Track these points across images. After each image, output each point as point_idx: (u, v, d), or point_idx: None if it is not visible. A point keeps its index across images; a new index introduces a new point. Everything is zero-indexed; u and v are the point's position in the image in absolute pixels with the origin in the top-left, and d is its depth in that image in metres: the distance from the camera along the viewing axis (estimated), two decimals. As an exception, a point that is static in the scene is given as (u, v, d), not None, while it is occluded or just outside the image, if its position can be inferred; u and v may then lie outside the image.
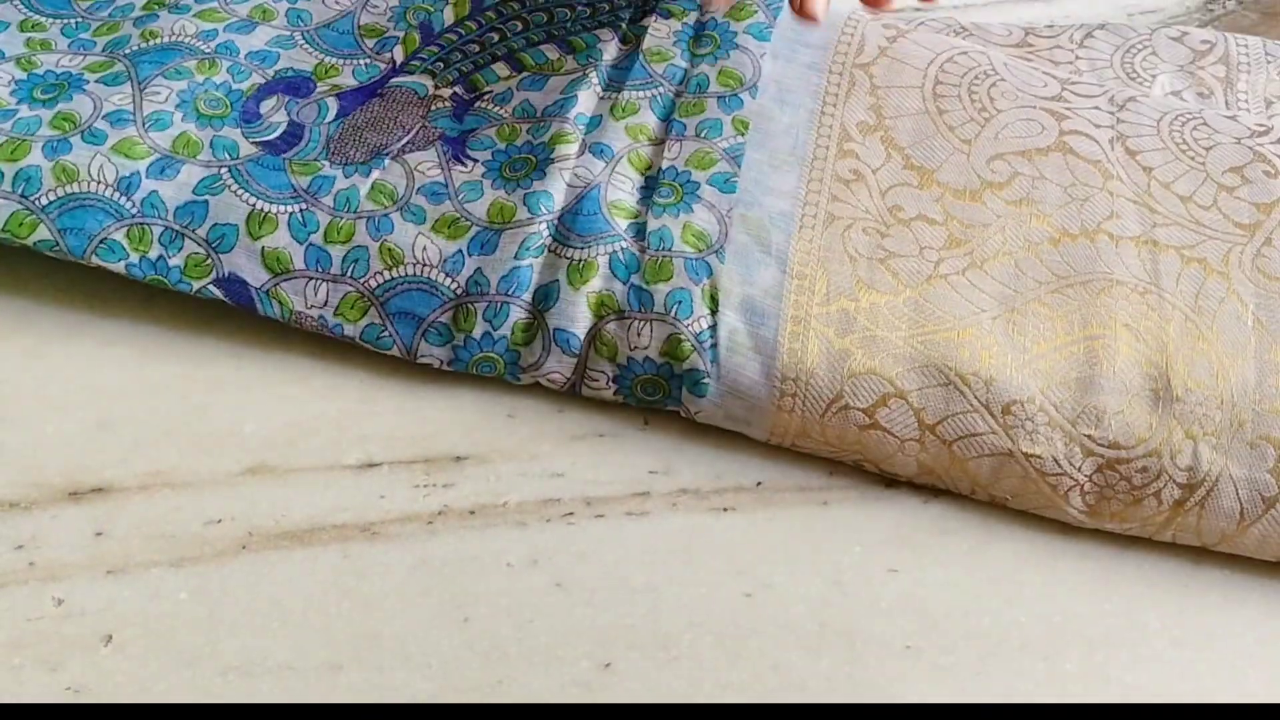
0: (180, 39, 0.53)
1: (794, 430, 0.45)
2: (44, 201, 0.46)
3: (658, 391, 0.46)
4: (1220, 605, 0.43)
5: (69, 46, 0.52)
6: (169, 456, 0.45)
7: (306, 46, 0.54)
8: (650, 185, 0.49)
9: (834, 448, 0.45)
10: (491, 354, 0.46)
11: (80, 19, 0.54)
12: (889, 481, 0.46)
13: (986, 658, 0.41)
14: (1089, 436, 0.43)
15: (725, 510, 0.45)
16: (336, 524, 0.44)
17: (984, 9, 0.64)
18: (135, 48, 0.52)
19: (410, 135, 0.50)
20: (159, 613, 0.41)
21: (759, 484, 0.46)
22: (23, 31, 0.52)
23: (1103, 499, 0.43)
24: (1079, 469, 0.43)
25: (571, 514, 0.45)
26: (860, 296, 0.46)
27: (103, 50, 0.52)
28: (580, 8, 0.57)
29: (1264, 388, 0.44)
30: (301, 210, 0.47)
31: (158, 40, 0.52)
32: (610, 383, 0.46)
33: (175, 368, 0.48)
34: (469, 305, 0.46)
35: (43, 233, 0.46)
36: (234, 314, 0.49)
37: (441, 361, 0.47)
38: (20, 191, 0.46)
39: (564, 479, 0.45)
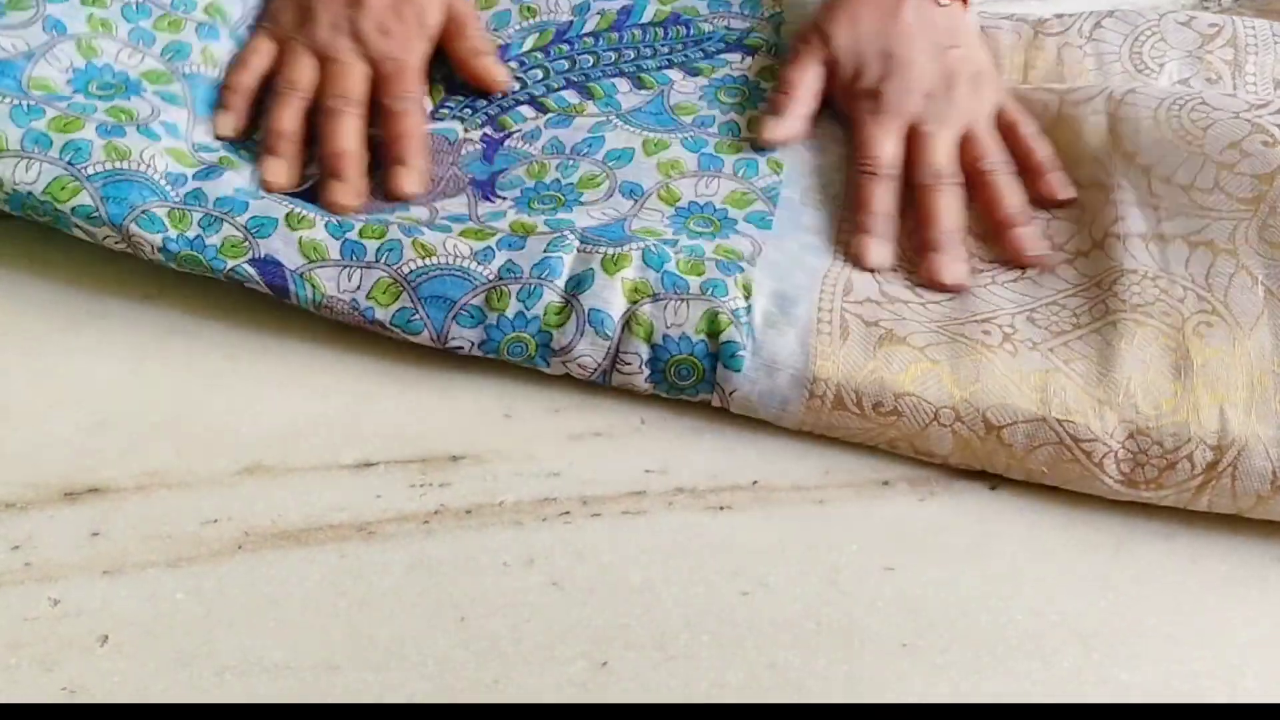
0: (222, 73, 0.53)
1: (830, 401, 0.46)
2: (90, 171, 0.47)
3: (692, 374, 0.46)
4: (1216, 603, 0.43)
5: (128, 36, 0.52)
6: (165, 457, 0.45)
7: None
8: (681, 215, 0.51)
9: (868, 423, 0.46)
10: (524, 334, 0.46)
11: (141, 1, 0.53)
12: (885, 480, 0.46)
13: (983, 656, 0.41)
14: (1117, 404, 0.44)
15: (722, 509, 0.45)
16: (333, 524, 0.44)
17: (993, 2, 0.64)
18: (194, 69, 0.53)
19: (441, 186, 0.52)
20: (155, 613, 0.41)
21: (755, 483, 0.46)
22: (84, 6, 0.51)
23: (1136, 465, 0.44)
24: (1111, 435, 0.44)
25: (568, 513, 0.45)
26: (884, 298, 0.49)
27: (161, 56, 0.52)
28: (605, 53, 0.58)
29: None
30: (339, 219, 0.49)
31: (217, 71, 0.53)
32: (643, 366, 0.47)
33: (171, 368, 0.48)
34: (502, 288, 0.47)
35: (84, 198, 0.46)
36: (230, 315, 0.49)
37: (473, 344, 0.47)
38: (67, 160, 0.47)
39: (560, 478, 0.45)
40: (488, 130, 0.55)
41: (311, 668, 0.40)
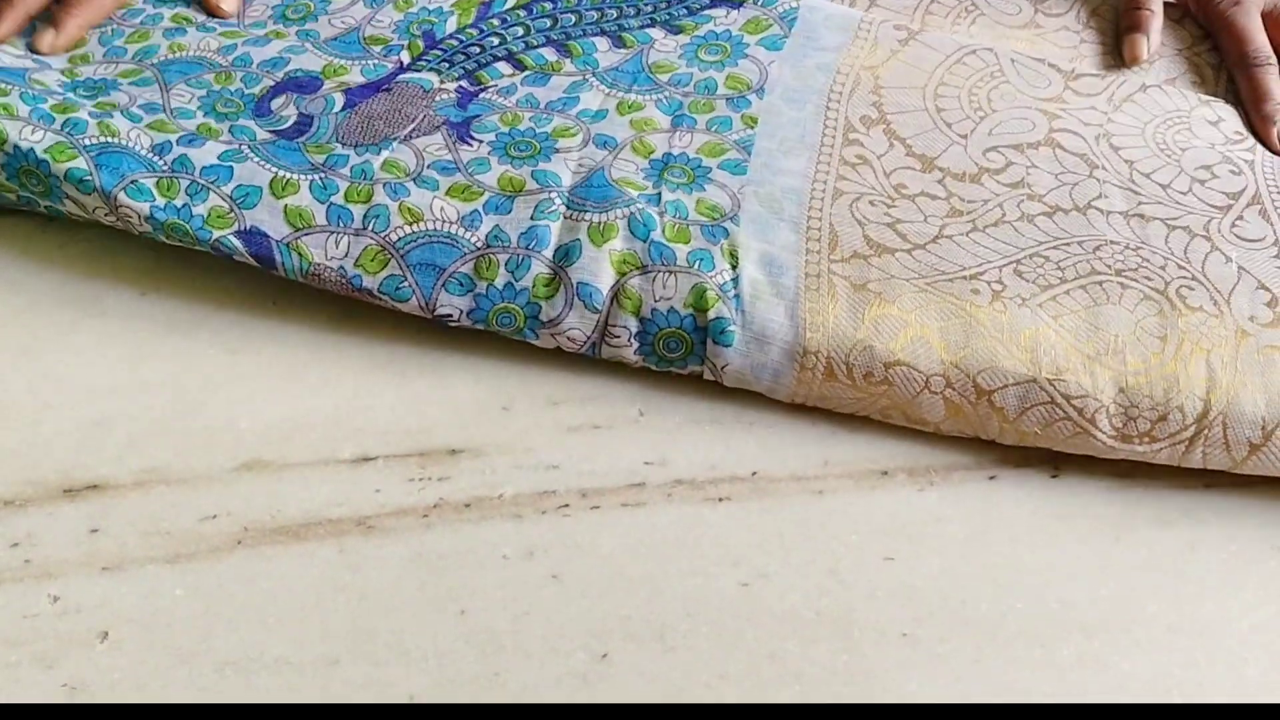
0: (204, 54, 0.56)
1: (820, 373, 0.46)
2: (86, 142, 0.48)
3: (681, 346, 0.47)
4: (1217, 591, 0.43)
5: (104, 55, 0.55)
6: (163, 453, 0.45)
7: (316, 51, 0.56)
8: (656, 168, 0.51)
9: (860, 392, 0.46)
10: (513, 305, 0.47)
11: (115, 25, 0.57)
12: (884, 470, 0.46)
13: (983, 645, 0.41)
14: (1105, 358, 0.45)
15: (721, 500, 0.45)
16: (332, 518, 0.44)
17: None
18: (163, 58, 0.55)
19: (415, 124, 0.52)
20: (155, 609, 0.41)
21: (754, 474, 0.46)
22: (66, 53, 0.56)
23: (1129, 419, 0.45)
24: (1102, 391, 0.44)
25: (567, 506, 0.45)
26: (872, 251, 0.48)
27: (133, 58, 0.55)
28: (588, 12, 0.59)
29: (1256, 309, 0.47)
30: (322, 178, 0.49)
31: (184, 53, 0.56)
32: (632, 339, 0.47)
33: (169, 365, 0.48)
34: (491, 256, 0.47)
35: (79, 163, 0.48)
36: (227, 311, 0.49)
37: (461, 312, 0.47)
38: (67, 131, 0.49)
39: (559, 471, 0.45)
40: (463, 84, 0.55)
41: (311, 662, 0.40)
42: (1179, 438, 0.45)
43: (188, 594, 0.41)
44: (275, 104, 0.53)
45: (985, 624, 0.42)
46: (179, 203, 0.48)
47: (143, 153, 0.49)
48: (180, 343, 0.48)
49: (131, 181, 0.48)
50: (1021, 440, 0.46)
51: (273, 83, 0.54)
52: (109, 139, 0.49)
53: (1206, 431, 0.44)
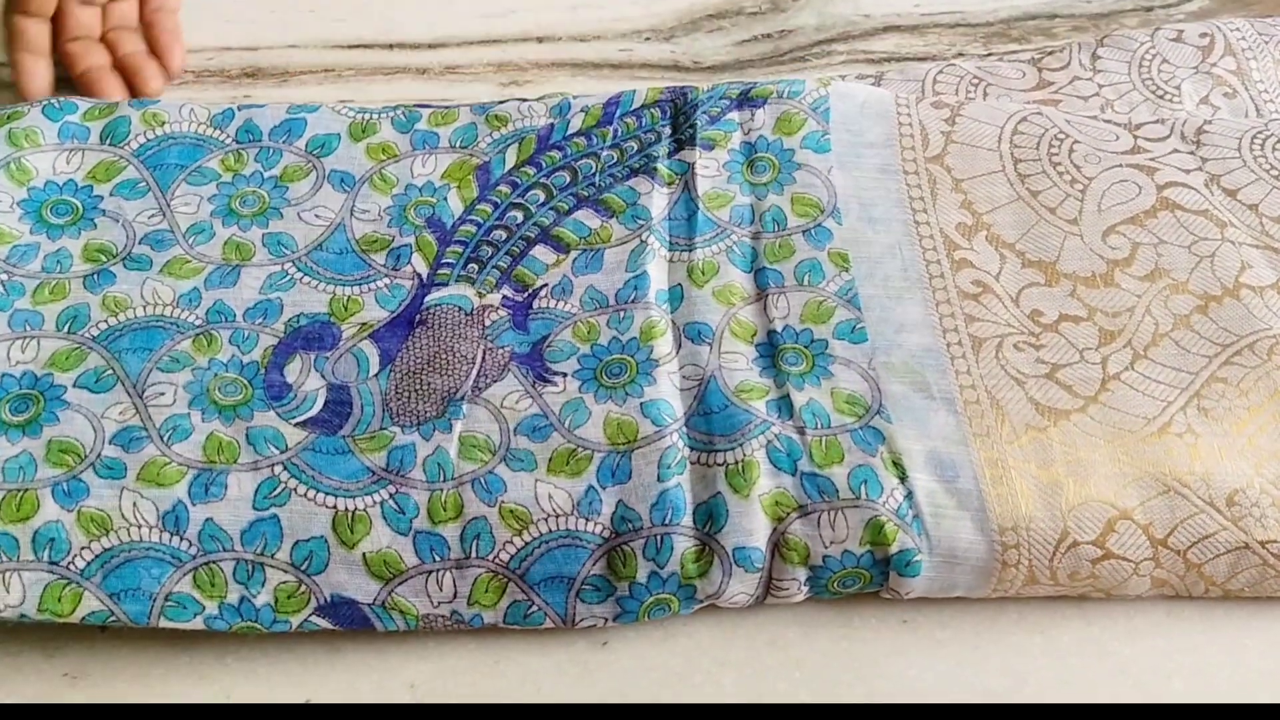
0: (158, 311, 0.44)
1: (1020, 580, 0.40)
2: (80, 564, 0.38)
3: (858, 582, 0.40)
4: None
5: (9, 324, 0.43)
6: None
7: (309, 280, 0.46)
8: (765, 353, 0.44)
9: (1063, 587, 0.41)
10: (663, 595, 0.39)
11: (7, 275, 0.45)
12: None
13: (983, 631, 0.41)
14: None
15: (721, 489, 0.45)
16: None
17: None
18: (104, 327, 0.43)
19: (477, 366, 0.43)
20: (156, 598, 0.41)
21: (754, 463, 0.46)
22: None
23: None
24: None
25: (567, 495, 0.44)
26: (1046, 421, 0.43)
27: (59, 330, 0.43)
28: (605, 153, 0.50)
29: None
30: (392, 495, 0.40)
31: (129, 314, 0.44)
32: (801, 587, 0.41)
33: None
34: (623, 548, 0.39)
35: (91, 603, 0.38)
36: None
37: (607, 620, 0.40)
38: (46, 558, 0.38)
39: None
40: (506, 291, 0.45)
41: (313, 650, 0.40)
42: None
43: (189, 584, 0.41)
44: (290, 373, 0.43)
45: (984, 611, 0.42)
46: (233, 599, 0.38)
47: (153, 536, 0.38)
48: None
49: (166, 598, 0.38)
50: (1228, 595, 0.42)
51: (274, 340, 0.43)
52: (104, 541, 0.38)
53: None
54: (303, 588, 0.38)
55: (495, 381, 0.43)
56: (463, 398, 0.42)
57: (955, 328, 0.45)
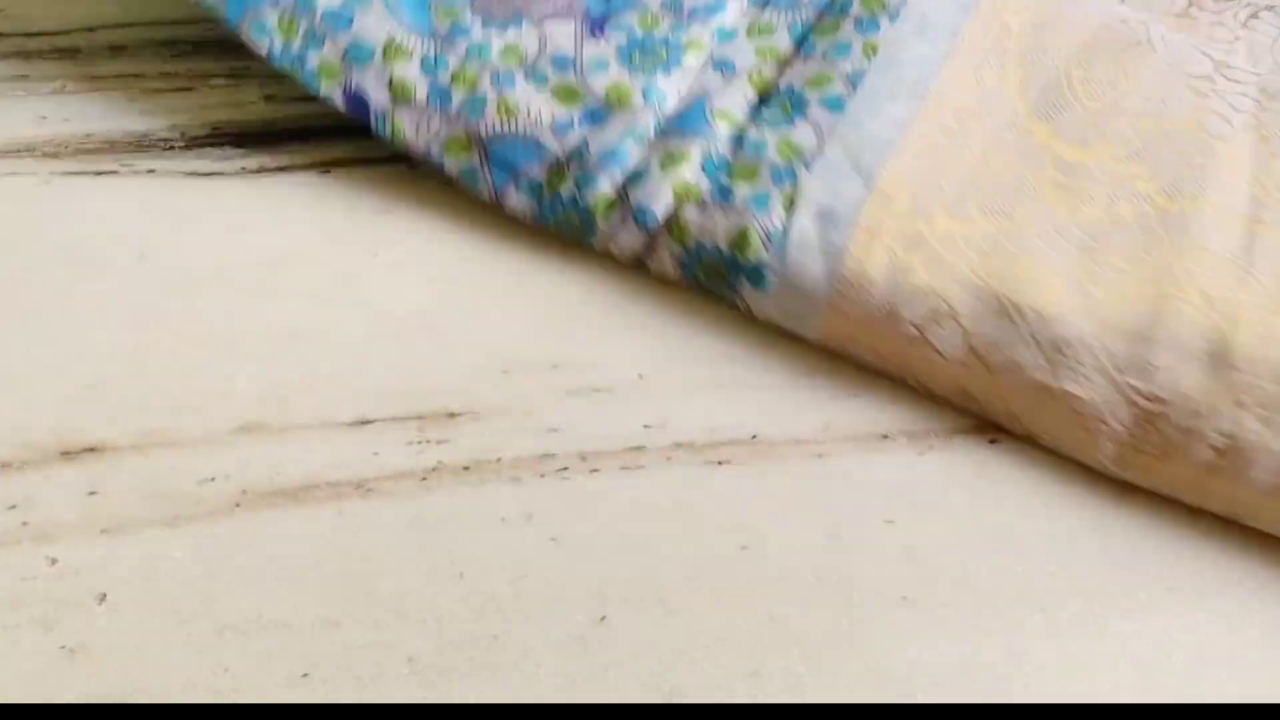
0: None
1: (844, 334, 0.46)
2: None
3: (718, 278, 0.47)
4: (1217, 554, 0.43)
5: None
6: (161, 416, 0.45)
7: None
8: (762, 101, 0.50)
9: (880, 357, 0.46)
10: (574, 215, 0.48)
11: None
12: (885, 433, 0.46)
13: (983, 609, 0.41)
14: (1134, 387, 0.43)
15: (720, 463, 0.45)
16: (331, 481, 0.44)
17: None
18: None
19: (555, 6, 0.52)
20: (153, 572, 0.41)
21: (754, 437, 0.46)
22: None
23: (1135, 450, 0.43)
24: (1117, 417, 0.43)
25: (566, 469, 0.44)
26: (938, 221, 0.46)
27: None
28: None
29: None
30: (435, 51, 0.50)
31: None
32: (676, 265, 0.48)
33: (166, 328, 0.47)
34: (565, 167, 0.48)
35: None
36: (226, 275, 0.49)
37: (524, 214, 0.49)
38: None
39: (558, 434, 0.45)
40: None
41: (310, 624, 0.40)
42: (1177, 479, 0.44)
43: (186, 556, 0.41)
44: None
45: (985, 587, 0.42)
46: (296, 48, 0.49)
47: None
48: (176, 306, 0.48)
49: (255, 15, 0.49)
50: (1028, 434, 0.45)
51: None
52: None
53: (1206, 483, 0.43)
54: (342, 70, 0.49)
55: (559, 19, 0.51)
56: (529, 17, 0.51)
57: (924, 134, 0.48)
